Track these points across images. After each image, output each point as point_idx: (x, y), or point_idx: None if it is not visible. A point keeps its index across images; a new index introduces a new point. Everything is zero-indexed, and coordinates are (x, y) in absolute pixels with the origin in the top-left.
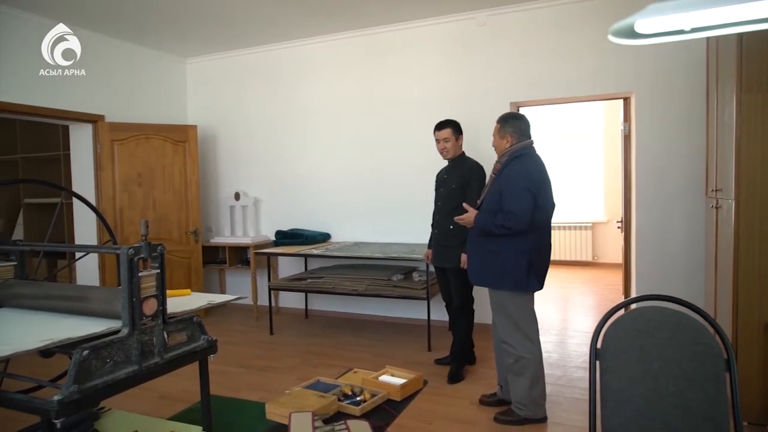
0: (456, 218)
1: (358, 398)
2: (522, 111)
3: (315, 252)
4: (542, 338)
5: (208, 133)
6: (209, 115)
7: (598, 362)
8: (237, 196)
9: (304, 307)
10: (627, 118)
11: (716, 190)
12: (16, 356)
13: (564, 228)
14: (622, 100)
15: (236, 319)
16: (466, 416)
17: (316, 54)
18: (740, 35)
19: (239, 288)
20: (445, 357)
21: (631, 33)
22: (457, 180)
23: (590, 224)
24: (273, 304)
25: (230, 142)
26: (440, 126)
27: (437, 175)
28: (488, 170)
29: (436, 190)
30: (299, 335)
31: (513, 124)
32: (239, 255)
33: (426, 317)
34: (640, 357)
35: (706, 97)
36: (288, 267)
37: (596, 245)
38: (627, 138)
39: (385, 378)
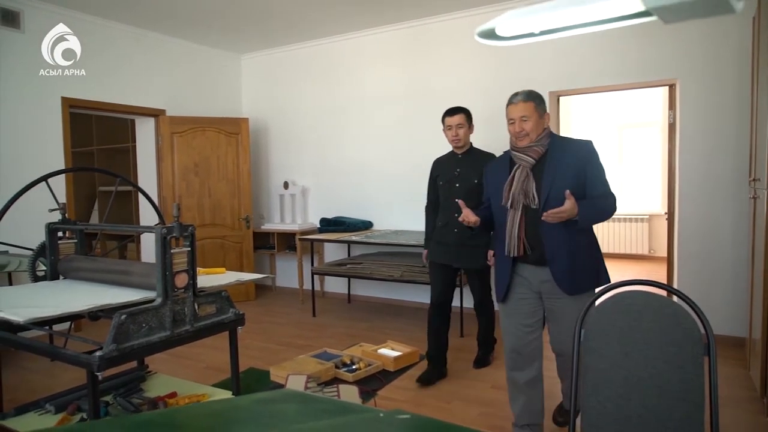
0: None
1: (354, 367)
2: (565, 100)
3: (354, 239)
4: None
5: (260, 125)
6: (261, 108)
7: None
8: (286, 185)
9: (347, 292)
10: (672, 105)
11: (754, 180)
12: (62, 316)
13: (619, 220)
14: (667, 88)
15: (283, 302)
16: (485, 398)
17: (360, 47)
18: None
19: (287, 272)
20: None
21: (493, 35)
22: (480, 175)
23: (647, 216)
24: (318, 288)
25: (280, 133)
26: (453, 111)
27: (438, 166)
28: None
29: (443, 182)
30: (340, 318)
31: (544, 102)
32: (287, 241)
33: (459, 304)
34: (621, 339)
35: (751, 84)
36: (333, 253)
37: (653, 238)
38: (672, 126)
39: (383, 351)
